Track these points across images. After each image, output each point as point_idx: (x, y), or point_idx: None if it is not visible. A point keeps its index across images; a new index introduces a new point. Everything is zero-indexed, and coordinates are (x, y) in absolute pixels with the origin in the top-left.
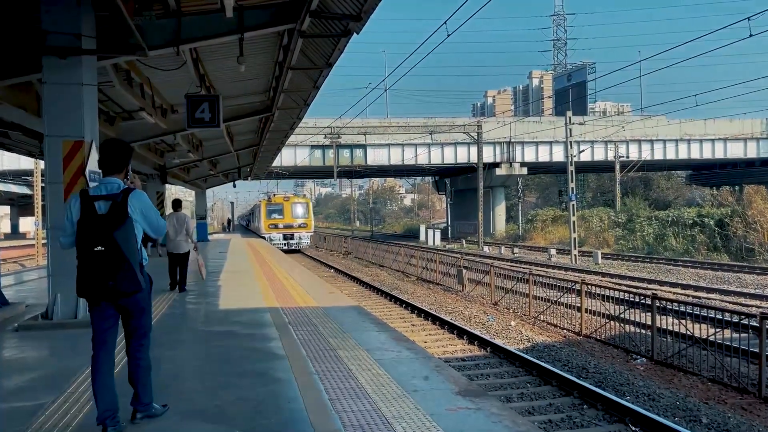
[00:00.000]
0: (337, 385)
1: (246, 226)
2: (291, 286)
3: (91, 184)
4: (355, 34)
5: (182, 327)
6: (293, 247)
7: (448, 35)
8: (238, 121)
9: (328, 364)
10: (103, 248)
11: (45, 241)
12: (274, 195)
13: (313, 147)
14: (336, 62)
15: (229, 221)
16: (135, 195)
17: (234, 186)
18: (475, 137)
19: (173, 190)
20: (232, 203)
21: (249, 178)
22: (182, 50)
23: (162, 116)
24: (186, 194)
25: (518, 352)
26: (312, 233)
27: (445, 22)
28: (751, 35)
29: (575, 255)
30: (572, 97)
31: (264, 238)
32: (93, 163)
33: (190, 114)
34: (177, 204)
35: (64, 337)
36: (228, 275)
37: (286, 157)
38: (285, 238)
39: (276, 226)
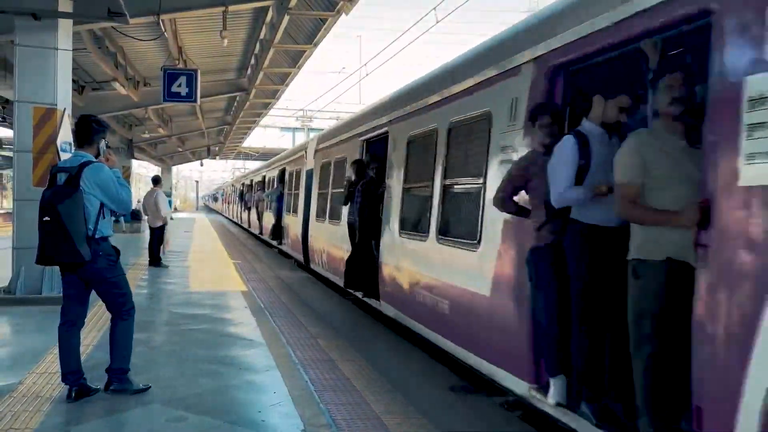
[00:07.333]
0: (322, 376)
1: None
2: (261, 268)
3: (64, 156)
4: (344, 14)
5: (153, 308)
6: None
7: (437, 22)
8: (212, 98)
9: (310, 353)
10: (48, 219)
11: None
12: None
13: (284, 129)
14: (321, 42)
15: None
16: (92, 168)
17: (201, 165)
18: None
19: (134, 165)
20: (197, 182)
21: (217, 157)
22: (163, 20)
23: (134, 88)
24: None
25: None
26: None
27: (434, 8)
28: None
29: None
30: None
31: None
32: (66, 133)
33: (167, 87)
34: (153, 180)
35: (28, 314)
36: (197, 255)
37: (255, 138)
38: None
39: None
